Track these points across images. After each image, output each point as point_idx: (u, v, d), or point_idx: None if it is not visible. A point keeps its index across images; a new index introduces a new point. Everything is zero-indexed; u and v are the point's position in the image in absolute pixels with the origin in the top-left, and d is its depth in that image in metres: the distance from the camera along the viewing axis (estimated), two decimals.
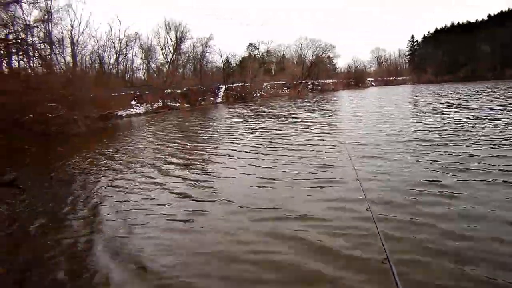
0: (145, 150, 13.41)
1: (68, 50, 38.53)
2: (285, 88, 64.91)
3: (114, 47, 47.03)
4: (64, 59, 36.51)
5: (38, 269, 4.35)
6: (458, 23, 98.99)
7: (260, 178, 7.62)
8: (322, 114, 22.24)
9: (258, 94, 57.23)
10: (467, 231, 4.43)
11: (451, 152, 8.51)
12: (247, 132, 15.81)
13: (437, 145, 9.40)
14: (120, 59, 48.31)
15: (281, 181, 7.29)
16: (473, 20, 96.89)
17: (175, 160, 10.63)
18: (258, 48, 73.94)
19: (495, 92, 27.27)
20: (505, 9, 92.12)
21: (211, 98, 50.61)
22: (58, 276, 4.19)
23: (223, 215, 5.67)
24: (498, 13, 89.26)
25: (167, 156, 11.37)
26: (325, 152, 9.75)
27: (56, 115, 18.69)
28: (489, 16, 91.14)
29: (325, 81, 75.02)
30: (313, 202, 5.87)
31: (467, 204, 5.26)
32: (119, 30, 48.04)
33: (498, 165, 6.95)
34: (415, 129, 12.40)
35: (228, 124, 20.62)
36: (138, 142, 15.82)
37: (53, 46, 30.91)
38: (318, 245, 4.39)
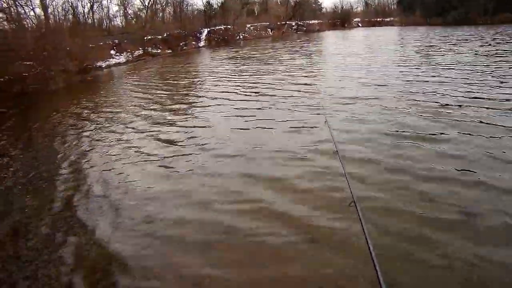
0: (125, 100, 13.29)
1: (37, 1, 36.27)
2: (269, 30, 63.19)
3: None
4: (34, 12, 34.46)
5: (31, 225, 4.58)
6: None
7: (237, 121, 7.90)
8: (303, 56, 22.12)
9: (241, 37, 55.67)
10: (435, 171, 4.74)
11: (424, 99, 8.69)
12: (227, 76, 15.78)
13: (410, 93, 9.48)
14: (95, 7, 45.46)
15: (258, 125, 7.57)
16: None
17: (156, 107, 10.78)
18: None
19: (483, 38, 26.51)
20: None
21: (193, 43, 49.06)
22: (46, 232, 4.38)
23: (203, 159, 5.96)
24: None
25: (148, 105, 11.42)
26: (302, 97, 9.90)
27: (32, 73, 18.17)
28: None
29: (310, 22, 73.04)
30: (286, 147, 6.12)
31: (436, 147, 5.58)
32: None
33: (471, 116, 7.16)
34: (392, 75, 12.46)
35: (208, 69, 20.37)
36: (118, 93, 15.62)
37: None
38: (290, 188, 4.71)
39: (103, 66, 34.12)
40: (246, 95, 10.81)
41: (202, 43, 50.56)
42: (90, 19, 44.75)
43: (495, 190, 4.22)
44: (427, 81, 10.70)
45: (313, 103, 8.94)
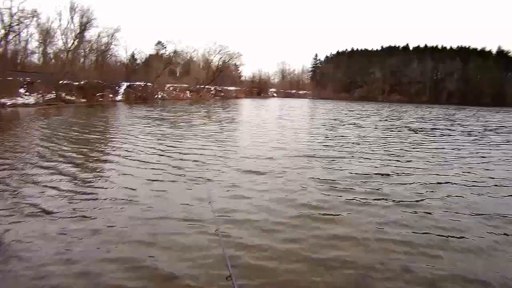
0: (26, 147, 12.71)
1: None
2: (187, 92, 65.67)
3: (2, 20, 39.93)
4: None
5: None
6: (357, 49, 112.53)
7: (132, 187, 7.89)
8: (215, 122, 23.80)
9: (160, 96, 57.10)
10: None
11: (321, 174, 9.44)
12: (137, 136, 15.99)
13: (306, 168, 10.11)
14: (10, 37, 41.51)
15: (152, 189, 7.77)
16: (369, 48, 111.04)
17: (60, 160, 10.55)
18: (166, 47, 72.92)
19: (381, 113, 32.25)
20: (392, 44, 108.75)
21: (111, 95, 48.43)
22: None
23: (106, 217, 6.06)
24: (388, 46, 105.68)
25: (51, 156, 11.09)
26: (203, 164, 10.26)
27: None
28: (381, 47, 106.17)
29: (229, 88, 77.70)
30: (169, 220, 6.10)
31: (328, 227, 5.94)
32: (11, 1, 39.30)
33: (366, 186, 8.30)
34: (296, 148, 13.42)
35: (121, 126, 20.43)
36: (19, 138, 14.96)
37: None
38: (170, 249, 5.00)
39: (8, 103, 32.19)
40: (148, 158, 10.96)
41: (119, 97, 50.09)
42: (1, 48, 40.51)
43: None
44: (324, 156, 12.04)
45: (203, 175, 8.99)
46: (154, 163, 10.43)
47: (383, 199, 7.42)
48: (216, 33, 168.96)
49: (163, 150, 12.51)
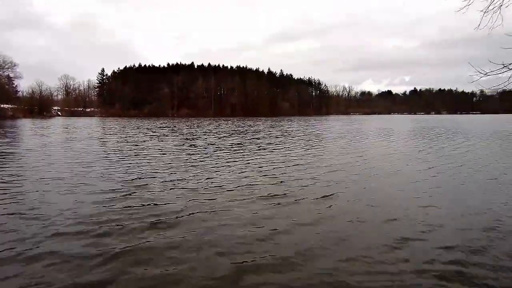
0: None
1: None
2: None
3: None
4: None
5: None
6: (145, 64, 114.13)
7: None
8: None
9: None
10: None
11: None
12: None
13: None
14: None
15: None
16: (157, 64, 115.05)
17: None
18: None
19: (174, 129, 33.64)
20: (179, 61, 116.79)
21: None
22: None
23: None
24: (175, 63, 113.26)
25: None
26: None
27: None
28: (168, 64, 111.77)
29: (2, 106, 66.36)
30: None
31: None
32: None
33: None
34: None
35: None
36: None
37: None
38: None
39: None
40: None
41: None
42: None
43: None
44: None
45: None
46: None
47: None
48: None
49: None
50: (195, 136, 27.03)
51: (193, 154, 15.58)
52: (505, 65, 5.88)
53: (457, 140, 22.51)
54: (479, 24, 6.42)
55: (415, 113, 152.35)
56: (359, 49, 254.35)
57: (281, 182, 9.51)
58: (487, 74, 6.05)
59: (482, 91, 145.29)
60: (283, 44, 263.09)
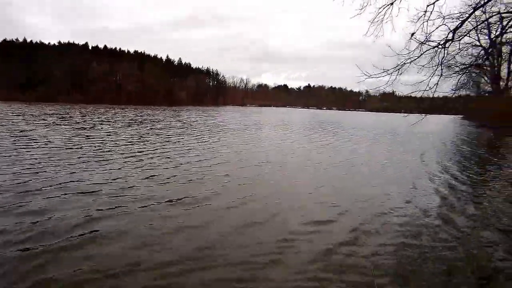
0: None
1: None
2: None
3: None
4: None
5: None
6: (32, 40, 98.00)
7: None
8: None
9: None
10: None
11: None
12: None
13: None
14: None
15: None
16: (45, 41, 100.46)
17: None
18: None
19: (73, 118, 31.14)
20: (71, 40, 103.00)
21: None
22: None
23: None
24: (67, 42, 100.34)
25: None
26: None
27: None
28: (60, 42, 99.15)
29: None
30: None
31: None
32: None
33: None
34: None
35: None
36: None
37: None
38: None
39: None
40: None
41: None
42: None
43: None
44: None
45: None
46: None
47: None
48: None
49: None
50: (89, 125, 26.09)
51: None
52: (384, 70, 7.45)
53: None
54: (367, 32, 7.96)
55: (308, 108, 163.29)
56: (262, 42, 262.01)
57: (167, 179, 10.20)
58: (371, 76, 7.44)
59: (367, 91, 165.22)
60: (187, 31, 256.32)
